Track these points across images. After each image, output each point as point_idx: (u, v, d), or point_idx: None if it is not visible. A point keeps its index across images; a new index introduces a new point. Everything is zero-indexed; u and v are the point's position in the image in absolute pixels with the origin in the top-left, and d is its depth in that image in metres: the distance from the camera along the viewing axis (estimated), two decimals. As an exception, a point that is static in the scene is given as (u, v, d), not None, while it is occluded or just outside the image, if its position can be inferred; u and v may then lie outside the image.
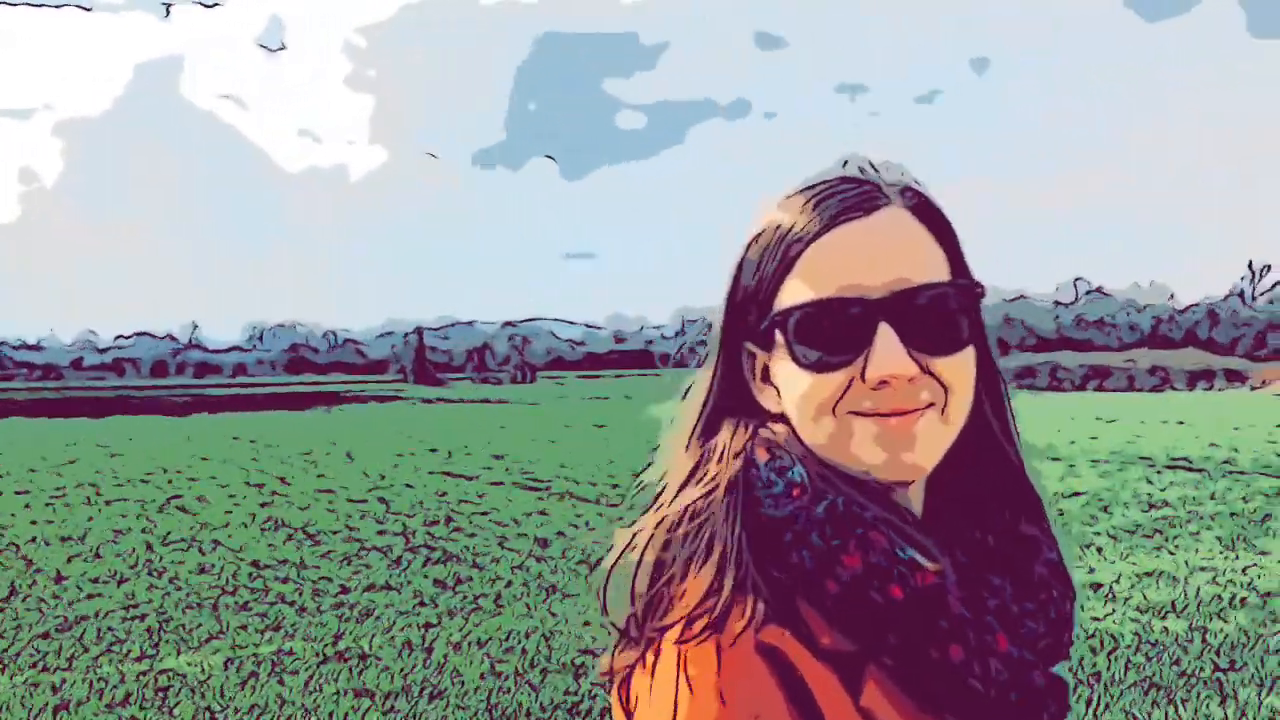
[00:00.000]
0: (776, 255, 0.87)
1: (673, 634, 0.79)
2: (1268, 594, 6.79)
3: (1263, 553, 8.21)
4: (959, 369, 0.85)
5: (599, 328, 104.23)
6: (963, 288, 0.87)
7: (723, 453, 0.87)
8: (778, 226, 0.88)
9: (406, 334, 75.15)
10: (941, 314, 0.84)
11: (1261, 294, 74.70)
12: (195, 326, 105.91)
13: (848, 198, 0.86)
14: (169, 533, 9.91)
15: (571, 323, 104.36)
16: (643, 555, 0.84)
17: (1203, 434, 19.30)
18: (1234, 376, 46.99)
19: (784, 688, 0.76)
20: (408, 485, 13.39)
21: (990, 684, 0.80)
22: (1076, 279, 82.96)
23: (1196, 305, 76.53)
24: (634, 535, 0.87)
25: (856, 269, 0.83)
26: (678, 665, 0.78)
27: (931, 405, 0.83)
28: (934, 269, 0.86)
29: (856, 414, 0.82)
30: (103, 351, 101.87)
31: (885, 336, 0.82)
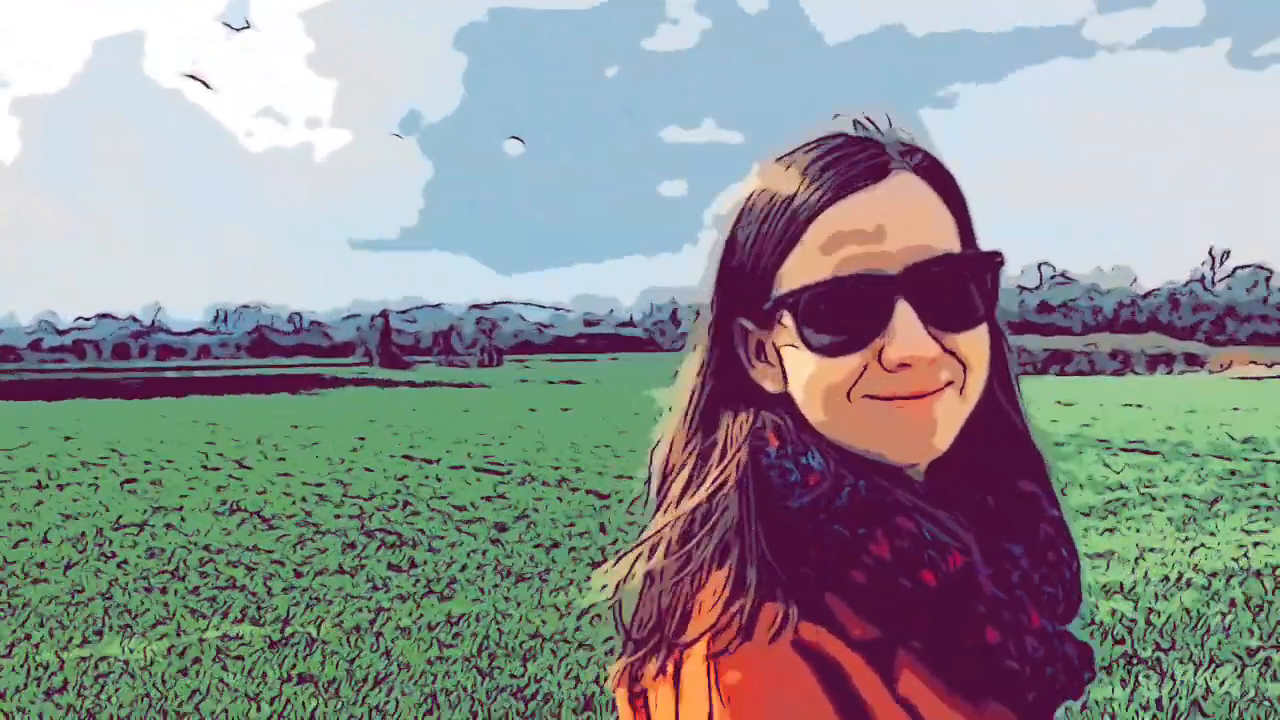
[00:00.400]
0: (777, 228, 0.80)
1: (700, 644, 0.75)
2: (1213, 574, 6.89)
3: (1211, 534, 8.33)
4: (977, 344, 0.80)
5: (567, 310, 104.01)
6: (982, 258, 0.82)
7: (727, 443, 0.83)
8: (775, 195, 0.81)
9: (373, 317, 74.69)
10: (960, 287, 0.79)
11: (1221, 279, 75.93)
12: (159, 308, 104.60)
13: (854, 163, 0.80)
14: (120, 517, 9.77)
15: (541, 305, 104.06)
16: (656, 562, 0.80)
17: (1160, 417, 19.57)
18: (1193, 360, 47.73)
19: (826, 686, 0.73)
20: (367, 469, 13.29)
21: (1027, 662, 0.78)
22: (1041, 264, 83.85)
23: (1158, 290, 77.60)
24: (644, 541, 0.82)
25: (870, 243, 0.77)
26: (709, 674, 0.73)
27: (950, 384, 0.79)
28: (947, 238, 0.80)
29: (873, 398, 0.78)
30: (63, 333, 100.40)
31: (905, 316, 0.77)
